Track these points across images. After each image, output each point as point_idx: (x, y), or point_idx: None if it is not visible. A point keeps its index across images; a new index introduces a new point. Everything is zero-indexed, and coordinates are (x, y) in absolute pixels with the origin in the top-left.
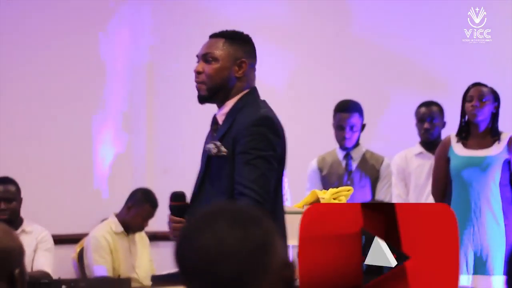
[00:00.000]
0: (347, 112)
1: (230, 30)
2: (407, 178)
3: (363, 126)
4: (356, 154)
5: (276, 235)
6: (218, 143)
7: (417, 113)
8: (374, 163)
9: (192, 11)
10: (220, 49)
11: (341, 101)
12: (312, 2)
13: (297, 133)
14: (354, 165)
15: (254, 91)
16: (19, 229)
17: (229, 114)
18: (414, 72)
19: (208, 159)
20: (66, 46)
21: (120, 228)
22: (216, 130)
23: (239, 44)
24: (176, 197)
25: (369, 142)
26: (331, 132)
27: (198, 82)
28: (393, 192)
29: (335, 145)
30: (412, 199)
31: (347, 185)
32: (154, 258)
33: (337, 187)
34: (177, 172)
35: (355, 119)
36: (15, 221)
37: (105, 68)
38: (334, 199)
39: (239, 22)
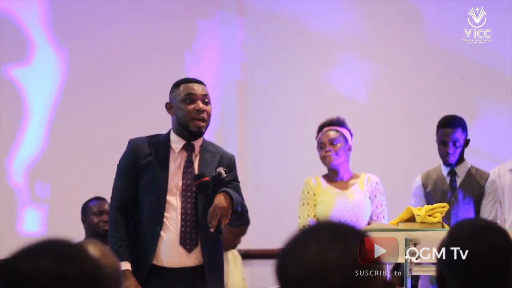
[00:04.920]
0: (450, 127)
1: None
2: (499, 194)
3: (467, 142)
4: (461, 170)
5: None
6: (226, 170)
7: None
8: (479, 180)
9: (281, 28)
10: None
11: (444, 116)
12: (393, 18)
13: (388, 148)
14: (458, 181)
15: None
16: None
17: (208, 148)
18: (503, 83)
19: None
20: (150, 65)
21: None
22: (191, 155)
23: None
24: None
25: None
26: (420, 146)
27: (202, 120)
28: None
29: (437, 162)
30: (504, 216)
31: (450, 201)
32: (246, 277)
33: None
34: (268, 189)
35: (458, 134)
36: None
37: None
38: (429, 215)
39: (325, 37)
